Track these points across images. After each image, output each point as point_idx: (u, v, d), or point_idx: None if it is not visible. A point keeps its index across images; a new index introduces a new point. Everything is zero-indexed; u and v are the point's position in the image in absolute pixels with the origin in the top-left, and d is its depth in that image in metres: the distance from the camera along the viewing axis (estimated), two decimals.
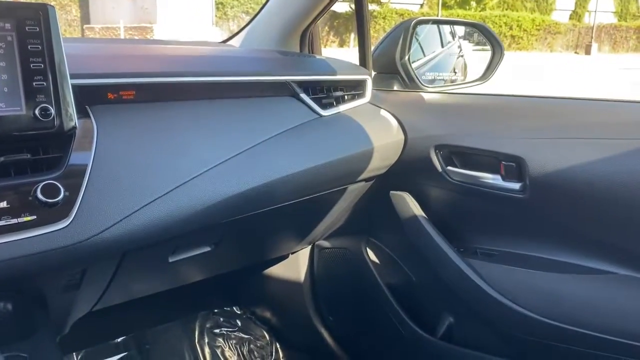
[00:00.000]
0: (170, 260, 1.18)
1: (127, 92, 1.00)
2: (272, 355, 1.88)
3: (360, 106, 1.40)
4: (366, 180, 1.41)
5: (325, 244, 1.70)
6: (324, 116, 1.29)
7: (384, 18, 26.07)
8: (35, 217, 0.80)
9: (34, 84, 0.82)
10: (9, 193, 0.79)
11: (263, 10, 1.55)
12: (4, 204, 0.78)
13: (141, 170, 0.94)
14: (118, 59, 1.08)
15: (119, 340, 1.71)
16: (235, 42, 1.64)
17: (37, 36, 0.83)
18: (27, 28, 0.82)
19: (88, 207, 0.85)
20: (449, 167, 1.31)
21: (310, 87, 1.30)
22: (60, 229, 0.81)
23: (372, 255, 1.56)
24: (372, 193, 1.48)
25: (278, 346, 1.90)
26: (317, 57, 1.52)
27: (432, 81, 1.66)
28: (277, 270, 1.82)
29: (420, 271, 1.44)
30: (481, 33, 1.68)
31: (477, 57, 1.83)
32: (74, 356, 1.59)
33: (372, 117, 1.39)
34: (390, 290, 1.51)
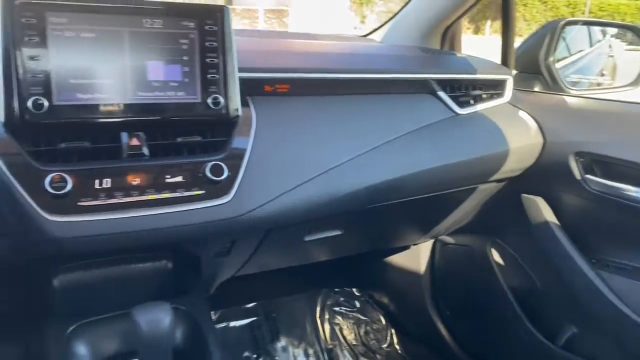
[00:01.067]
0: (306, 239, 1.29)
1: (282, 85, 1.11)
2: (386, 339, 1.95)
3: (498, 106, 1.40)
4: (498, 181, 1.42)
5: (449, 239, 1.73)
6: (461, 114, 1.32)
7: (524, 5, 24.62)
8: (204, 191, 0.93)
9: (208, 76, 0.95)
10: (183, 169, 0.93)
11: (407, 7, 1.59)
12: (179, 179, 0.92)
13: (291, 156, 1.05)
14: (275, 55, 1.19)
15: (249, 305, 1.88)
16: (377, 37, 1.70)
17: (214, 34, 0.95)
18: (206, 27, 0.95)
19: (245, 186, 0.97)
20: (588, 176, 1.27)
21: (449, 85, 1.33)
22: (223, 204, 0.94)
23: (496, 256, 1.56)
24: (503, 194, 1.48)
25: (393, 332, 1.96)
26: (458, 54, 1.53)
27: (576, 84, 1.60)
28: (398, 259, 1.88)
29: (546, 277, 1.42)
30: (636, 35, 1.58)
31: (631, 58, 1.71)
32: (212, 317, 1.79)
33: (510, 117, 1.39)
34: (512, 292, 1.51)
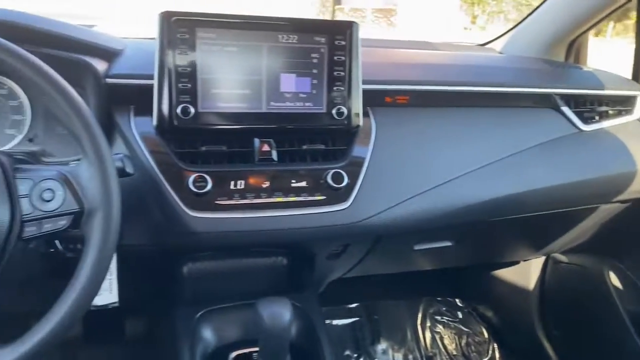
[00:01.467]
0: (415, 248, 1.31)
1: (402, 97, 1.14)
2: (488, 353, 1.92)
3: (626, 123, 1.33)
4: (622, 202, 1.35)
5: (562, 257, 1.66)
6: (585, 131, 1.27)
7: None
8: (325, 197, 0.99)
9: (335, 88, 1.01)
10: (307, 175, 0.99)
11: (531, 17, 1.55)
12: (303, 184, 0.99)
13: (408, 167, 1.08)
14: (395, 67, 1.22)
15: (352, 306, 1.94)
16: (497, 46, 1.67)
17: (342, 49, 1.00)
18: (336, 42, 1.00)
19: (363, 194, 1.01)
20: None
21: (573, 100, 1.29)
22: (342, 210, 0.99)
23: (614, 280, 1.49)
24: (626, 215, 1.41)
25: (496, 346, 1.93)
26: (584, 68, 1.47)
27: None
28: (506, 274, 1.84)
29: None
30: None
31: None
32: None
33: (639, 136, 1.31)
34: (630, 318, 1.43)
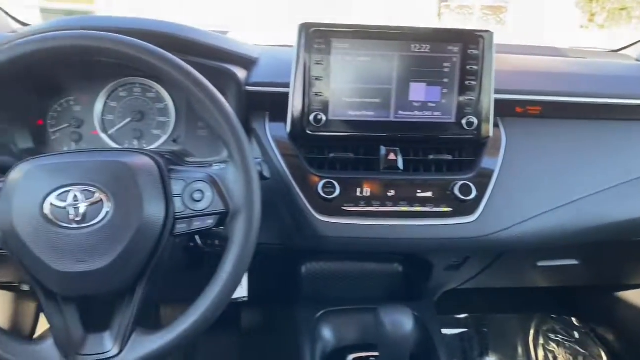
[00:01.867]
0: (539, 264, 1.26)
1: (534, 107, 1.10)
2: None
3: None
4: None
5: None
6: None
7: None
8: (451, 209, 0.98)
9: (465, 98, 0.99)
10: (433, 186, 0.99)
11: None
12: (429, 194, 0.99)
13: (539, 182, 1.04)
14: (527, 75, 1.17)
15: (460, 316, 1.90)
16: (633, 53, 1.56)
17: (476, 58, 0.99)
18: (469, 51, 0.98)
19: (491, 207, 0.99)
20: None
21: None
22: (469, 222, 0.98)
23: None
24: None
25: None
26: None
27: None
28: (632, 297, 1.71)
29: None
30: None
31: None
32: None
33: None
34: None
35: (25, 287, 1.40)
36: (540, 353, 1.84)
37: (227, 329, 1.72)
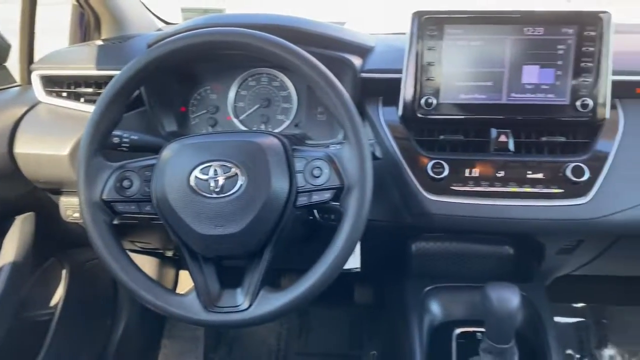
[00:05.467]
0: None
1: None
2: None
3: None
4: None
5: None
6: None
7: None
8: (562, 190, 0.99)
9: (580, 80, 0.99)
10: (544, 167, 1.00)
11: None
12: (540, 175, 1.00)
13: None
14: None
15: (578, 305, 1.84)
16: None
17: (592, 39, 0.98)
18: (585, 33, 0.98)
19: (605, 190, 0.98)
20: None
21: None
22: (580, 204, 0.98)
23: None
24: None
25: None
26: None
27: None
28: None
29: None
30: None
31: None
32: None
33: None
34: None
35: (169, 253, 1.61)
36: None
37: (340, 301, 1.83)
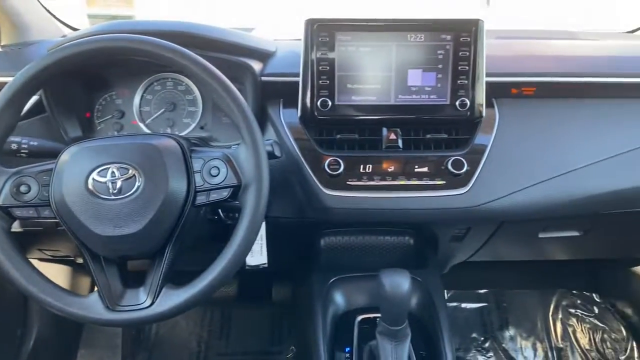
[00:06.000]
0: (540, 235, 1.34)
1: (528, 88, 1.18)
2: (625, 351, 1.85)
3: None
4: None
5: None
6: None
7: None
8: (445, 182, 1.08)
9: (458, 82, 1.09)
10: (429, 162, 1.10)
11: None
12: (425, 169, 1.10)
13: (529, 157, 1.12)
14: (523, 59, 1.25)
15: (481, 291, 1.98)
16: None
17: (467, 44, 1.08)
18: (461, 39, 1.08)
19: (482, 181, 1.09)
20: None
21: None
22: (461, 194, 1.08)
23: None
24: None
25: (635, 345, 1.85)
26: None
27: None
28: None
29: None
30: None
31: None
32: (445, 293, 1.94)
33: None
34: None
35: (80, 260, 1.58)
36: (559, 327, 1.91)
37: (260, 300, 1.87)
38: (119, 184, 0.84)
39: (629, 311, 1.89)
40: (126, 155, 0.86)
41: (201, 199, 0.90)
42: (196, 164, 0.90)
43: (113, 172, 0.85)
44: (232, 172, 0.89)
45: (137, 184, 0.85)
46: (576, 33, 1.64)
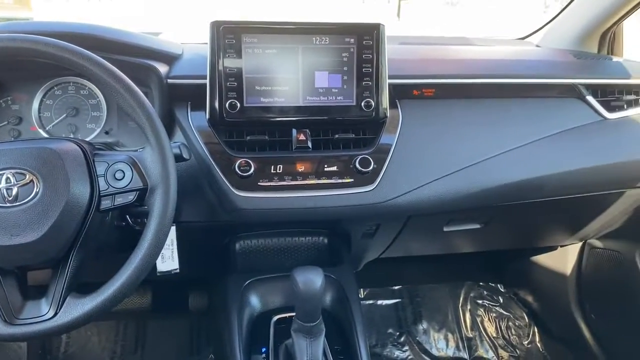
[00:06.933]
0: (445, 229, 1.42)
1: (428, 90, 1.24)
2: (528, 336, 1.98)
3: None
4: None
5: (598, 243, 1.71)
6: (609, 119, 1.33)
7: None
8: (353, 180, 1.12)
9: (363, 83, 1.13)
10: (338, 161, 1.13)
11: (566, 10, 1.61)
12: (334, 168, 1.12)
13: (432, 153, 1.19)
14: (424, 62, 1.32)
15: (396, 287, 2.05)
16: (535, 39, 1.74)
17: (370, 48, 1.13)
18: (364, 42, 1.12)
19: (388, 177, 1.14)
20: None
21: (600, 90, 1.34)
22: (368, 191, 1.12)
23: None
24: None
25: (536, 330, 1.99)
26: (614, 59, 1.51)
27: None
28: (545, 260, 1.90)
29: None
30: None
31: None
32: (361, 291, 2.00)
33: None
34: None
35: None
36: (468, 318, 2.01)
37: (176, 310, 1.83)
38: (15, 190, 0.80)
39: (530, 299, 2.03)
40: (22, 161, 0.82)
41: (106, 203, 0.87)
42: (100, 168, 0.87)
43: (8, 179, 0.80)
44: (138, 175, 0.87)
45: (35, 189, 0.81)
46: (472, 39, 1.75)
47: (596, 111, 1.33)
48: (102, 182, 0.86)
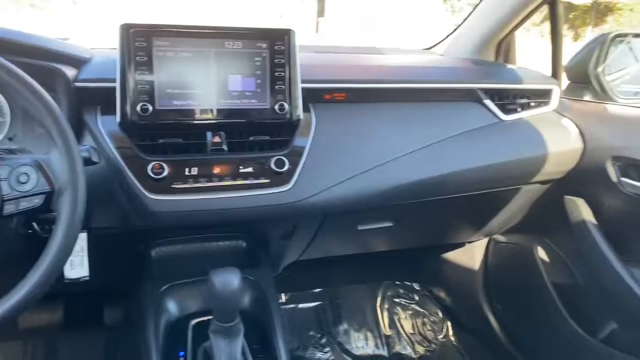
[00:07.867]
0: (359, 228, 1.47)
1: (339, 94, 1.30)
2: (442, 331, 2.08)
3: (543, 113, 1.51)
4: (541, 182, 1.52)
5: (501, 238, 1.84)
6: (505, 121, 1.44)
7: (631, 10, 22.93)
8: (269, 180, 1.14)
9: (276, 87, 1.16)
10: (254, 162, 1.15)
11: (466, 22, 1.73)
12: (250, 169, 1.14)
13: (344, 154, 1.24)
14: (335, 68, 1.38)
15: (316, 291, 2.09)
16: (439, 50, 1.85)
17: (282, 52, 1.16)
18: (276, 47, 1.16)
19: (303, 177, 1.17)
20: (624, 179, 1.35)
21: (496, 94, 1.46)
22: (284, 191, 1.15)
23: (542, 254, 1.66)
24: (549, 195, 1.58)
25: (449, 324, 2.09)
26: (508, 66, 1.65)
27: (630, 93, 1.66)
28: (455, 256, 2.01)
29: (588, 275, 1.50)
30: None
31: None
32: (282, 296, 2.01)
33: (552, 124, 1.49)
34: (555, 289, 1.60)
35: None
36: (386, 316, 2.08)
37: (89, 325, 1.76)
38: None
39: (442, 295, 2.13)
40: None
41: (9, 208, 0.83)
42: (2, 172, 0.83)
43: None
44: (44, 178, 0.85)
45: None
46: (381, 49, 1.84)
47: (493, 114, 1.44)
48: (4, 186, 0.83)
